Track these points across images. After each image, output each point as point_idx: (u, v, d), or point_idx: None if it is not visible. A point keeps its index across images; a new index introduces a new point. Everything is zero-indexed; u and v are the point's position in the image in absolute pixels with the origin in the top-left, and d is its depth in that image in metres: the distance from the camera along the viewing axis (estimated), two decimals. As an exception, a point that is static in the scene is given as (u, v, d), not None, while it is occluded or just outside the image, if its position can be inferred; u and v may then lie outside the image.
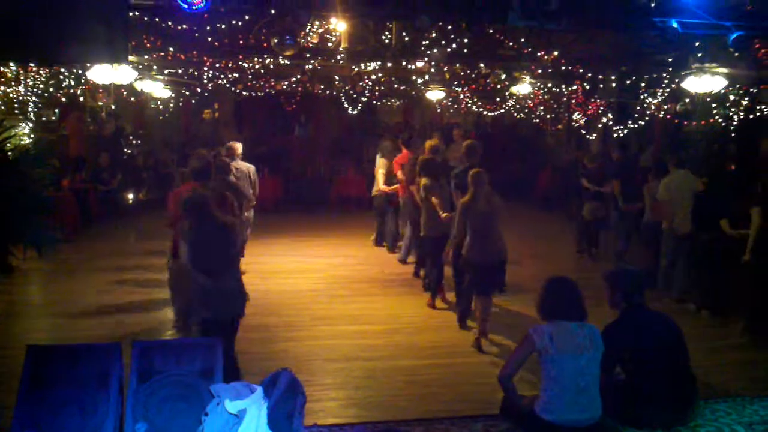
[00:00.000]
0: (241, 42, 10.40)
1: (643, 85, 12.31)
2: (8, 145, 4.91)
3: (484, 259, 6.72)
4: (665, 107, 13.46)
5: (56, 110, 14.01)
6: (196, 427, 3.44)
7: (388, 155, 11.05)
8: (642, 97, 12.81)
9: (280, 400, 3.20)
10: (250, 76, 13.59)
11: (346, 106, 18.46)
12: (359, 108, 18.46)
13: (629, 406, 4.61)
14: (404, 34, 10.33)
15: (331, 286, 9.07)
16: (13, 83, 11.93)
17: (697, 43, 8.97)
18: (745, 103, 11.68)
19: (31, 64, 10.98)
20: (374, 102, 18.82)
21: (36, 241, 4.68)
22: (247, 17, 8.91)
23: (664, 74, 11.35)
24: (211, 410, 3.32)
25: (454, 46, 10.02)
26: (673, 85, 11.60)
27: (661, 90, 12.30)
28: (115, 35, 5.32)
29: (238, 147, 9.63)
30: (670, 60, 10.34)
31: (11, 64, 10.54)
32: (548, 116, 17.94)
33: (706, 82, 9.68)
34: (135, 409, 3.86)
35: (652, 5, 7.12)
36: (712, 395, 5.36)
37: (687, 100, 13.07)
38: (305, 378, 4.76)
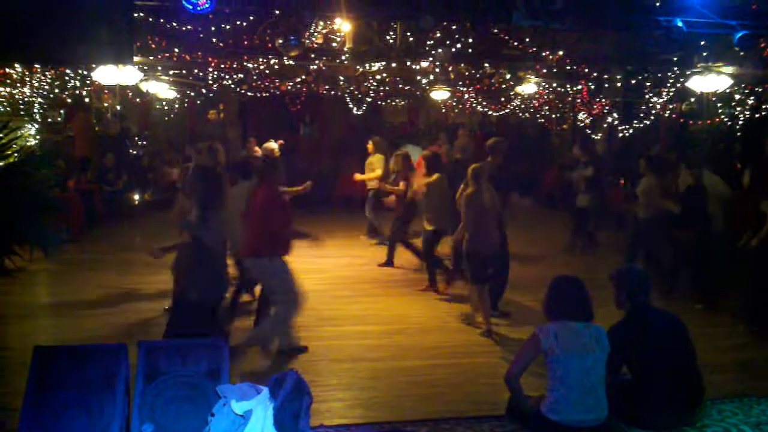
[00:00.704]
0: (245, 43, 10.43)
1: (648, 84, 12.31)
2: (14, 146, 4.92)
3: (486, 249, 6.99)
4: (670, 106, 13.46)
5: (62, 111, 14.06)
6: (203, 428, 3.44)
7: (381, 150, 11.08)
8: (647, 96, 12.80)
9: (286, 401, 3.20)
10: (254, 77, 13.64)
11: (350, 106, 18.50)
12: (364, 108, 18.48)
13: (635, 406, 4.58)
14: (409, 34, 10.34)
15: (335, 286, 9.05)
16: (18, 84, 11.97)
17: (702, 42, 8.98)
18: (750, 102, 11.66)
19: (36, 66, 11.02)
20: (379, 102, 18.84)
21: (42, 242, 4.68)
22: (251, 18, 8.95)
23: (670, 73, 11.35)
24: (218, 411, 3.33)
25: (458, 45, 10.04)
26: (679, 85, 11.60)
27: (666, 89, 12.30)
28: (119, 36, 5.33)
29: (276, 149, 9.67)
30: (675, 59, 10.34)
31: (16, 65, 10.58)
32: (553, 116, 17.93)
33: (711, 81, 9.68)
34: (141, 410, 3.86)
35: (657, 4, 7.13)
36: (718, 395, 5.32)
37: (692, 99, 13.06)
38: (311, 378, 4.77)
